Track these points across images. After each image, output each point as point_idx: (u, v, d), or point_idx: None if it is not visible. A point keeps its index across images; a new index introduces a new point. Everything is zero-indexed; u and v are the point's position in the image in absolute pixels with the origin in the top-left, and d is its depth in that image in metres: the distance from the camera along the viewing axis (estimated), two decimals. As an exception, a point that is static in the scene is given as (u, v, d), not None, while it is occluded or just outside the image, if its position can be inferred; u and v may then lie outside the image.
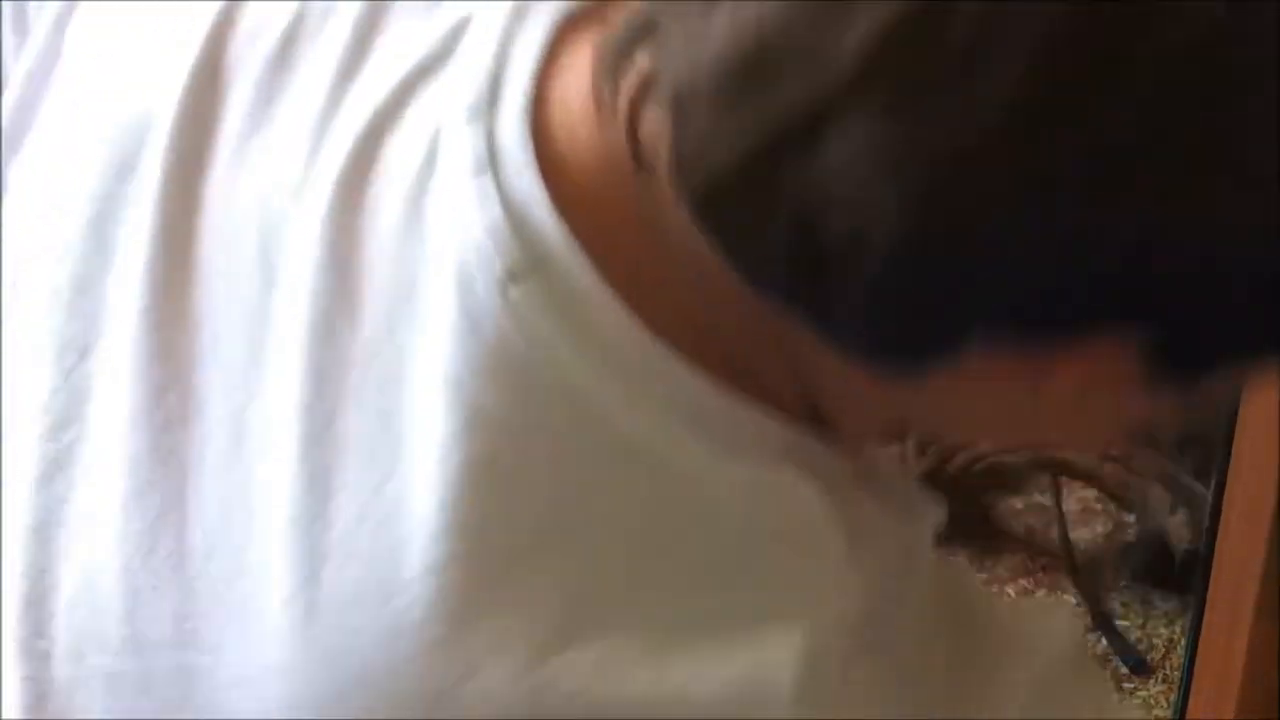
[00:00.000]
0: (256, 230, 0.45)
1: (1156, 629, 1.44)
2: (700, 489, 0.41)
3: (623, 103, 0.40)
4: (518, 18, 0.44)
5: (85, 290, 0.47)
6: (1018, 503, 1.57)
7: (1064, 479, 1.53)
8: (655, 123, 0.39)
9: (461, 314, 0.41)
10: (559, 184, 0.41)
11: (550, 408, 0.41)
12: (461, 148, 0.42)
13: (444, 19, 0.46)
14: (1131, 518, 1.51)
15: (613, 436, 0.41)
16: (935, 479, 1.47)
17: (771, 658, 0.40)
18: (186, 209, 0.46)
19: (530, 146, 0.42)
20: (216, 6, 0.48)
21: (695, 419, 0.41)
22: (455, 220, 0.42)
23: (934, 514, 0.45)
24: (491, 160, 0.42)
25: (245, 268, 0.45)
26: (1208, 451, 1.15)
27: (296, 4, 0.47)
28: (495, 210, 0.41)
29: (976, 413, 0.44)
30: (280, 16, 0.47)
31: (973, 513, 1.54)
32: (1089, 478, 1.48)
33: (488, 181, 0.41)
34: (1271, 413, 0.89)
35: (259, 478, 0.43)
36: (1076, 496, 1.54)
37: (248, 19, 0.47)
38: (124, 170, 0.47)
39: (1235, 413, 0.92)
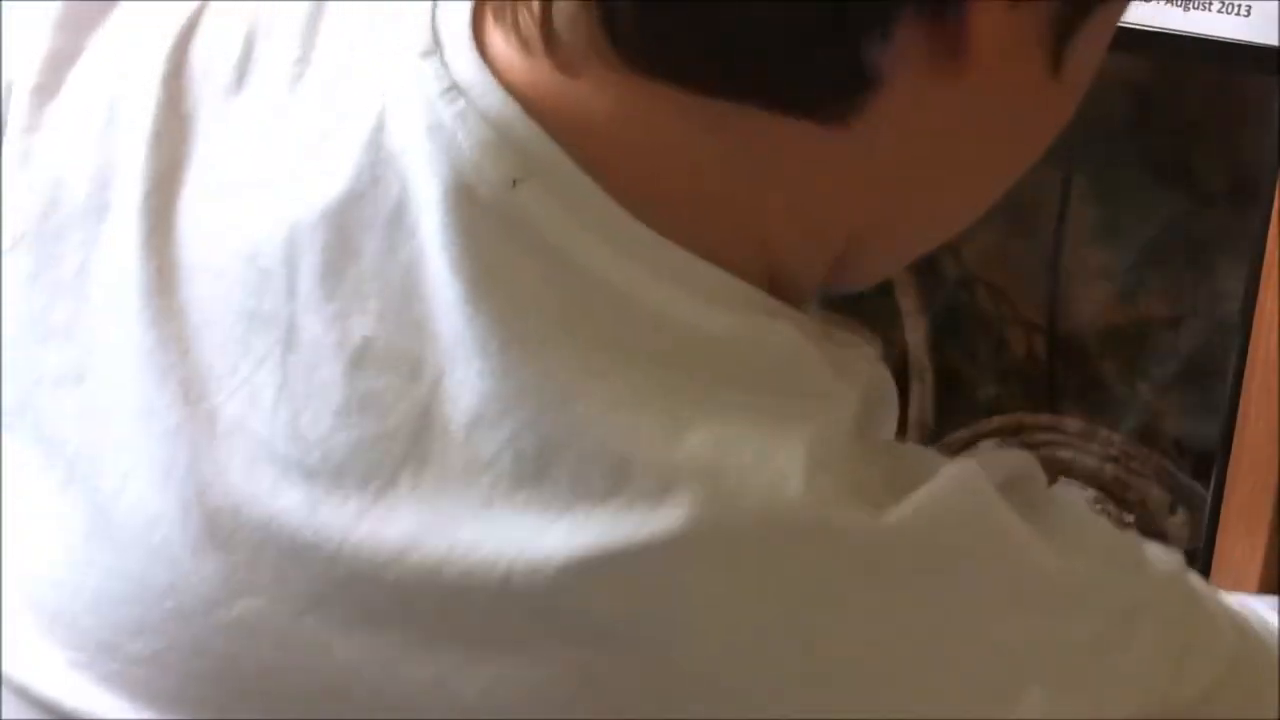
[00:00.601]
0: (244, 259, 0.48)
1: (1156, 629, 1.44)
2: (698, 334, 0.46)
3: (535, 10, 0.46)
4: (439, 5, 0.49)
5: (77, 322, 0.49)
6: (1017, 503, 1.57)
7: (1064, 479, 1.53)
8: (565, 11, 0.46)
9: (468, 217, 0.45)
10: (517, 99, 0.46)
11: (569, 282, 0.45)
12: (422, 85, 0.47)
13: (374, 10, 0.51)
14: (1131, 518, 1.51)
15: (632, 305, 0.46)
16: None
17: (780, 446, 0.44)
18: (167, 249, 0.49)
19: (488, 72, 0.47)
20: (165, 49, 0.51)
21: (688, 282, 0.46)
22: (435, 145, 0.46)
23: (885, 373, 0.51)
24: (457, 89, 0.47)
25: (236, 286, 0.49)
26: (1207, 451, 1.15)
27: (244, 33, 0.51)
28: (482, 129, 0.46)
29: (925, 163, 0.49)
30: (231, 47, 0.51)
31: (972, 513, 1.54)
32: (1089, 478, 1.48)
33: (465, 107, 0.46)
34: (1271, 413, 0.89)
35: (299, 421, 0.46)
36: (1076, 496, 1.55)
37: (198, 56, 0.51)
38: (99, 212, 0.51)
39: (1235, 413, 0.92)
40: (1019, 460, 0.50)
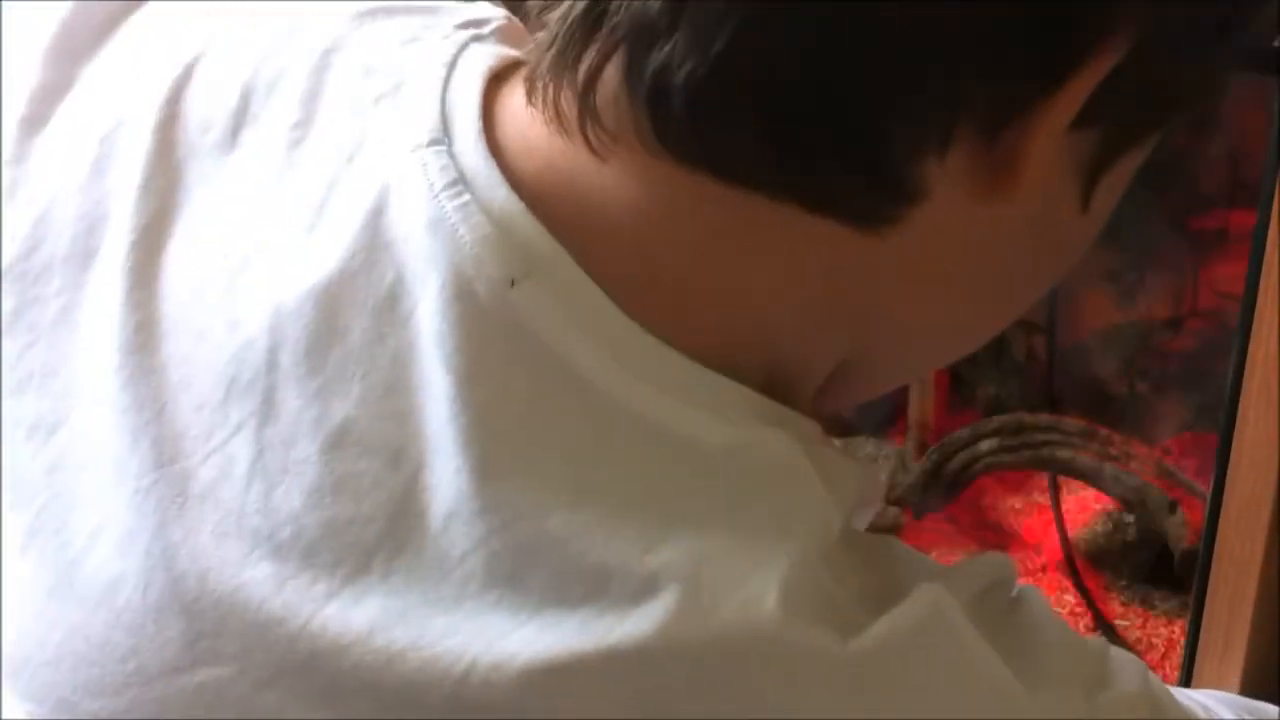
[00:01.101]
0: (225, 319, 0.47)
1: (1156, 629, 1.44)
2: (691, 446, 0.45)
3: (581, 78, 0.44)
4: (448, 80, 0.48)
5: (55, 371, 0.49)
6: (1017, 503, 1.57)
7: (1064, 479, 1.53)
8: (612, 87, 0.44)
9: (465, 314, 0.44)
10: (524, 192, 0.45)
11: (560, 388, 0.44)
12: (428, 174, 0.46)
13: (381, 84, 0.50)
14: (1131, 518, 1.51)
15: (622, 414, 0.45)
16: (935, 479, 1.47)
17: (759, 564, 0.44)
18: (149, 304, 0.48)
19: (495, 165, 0.46)
20: (160, 96, 0.50)
21: (686, 392, 0.45)
22: (436, 239, 0.45)
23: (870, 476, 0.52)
24: (463, 182, 0.46)
25: (218, 352, 0.48)
26: (1207, 451, 1.15)
27: (241, 86, 0.50)
28: (484, 225, 0.45)
29: (945, 276, 0.48)
30: (228, 100, 0.50)
31: (973, 513, 1.54)
32: (1089, 478, 1.48)
33: (469, 201, 0.45)
34: (1271, 412, 0.89)
35: (272, 495, 0.45)
36: (1076, 496, 1.54)
37: (192, 106, 0.50)
38: (85, 258, 0.50)
39: (1235, 413, 0.92)
40: (993, 567, 0.50)
